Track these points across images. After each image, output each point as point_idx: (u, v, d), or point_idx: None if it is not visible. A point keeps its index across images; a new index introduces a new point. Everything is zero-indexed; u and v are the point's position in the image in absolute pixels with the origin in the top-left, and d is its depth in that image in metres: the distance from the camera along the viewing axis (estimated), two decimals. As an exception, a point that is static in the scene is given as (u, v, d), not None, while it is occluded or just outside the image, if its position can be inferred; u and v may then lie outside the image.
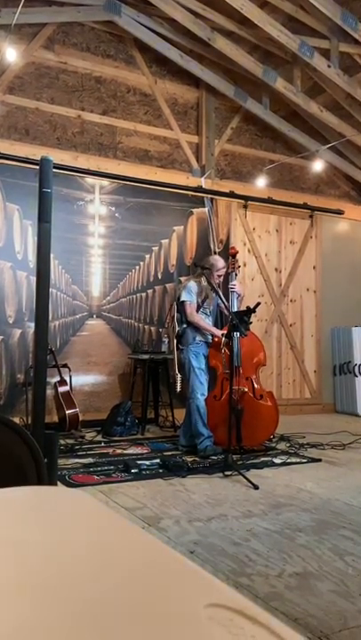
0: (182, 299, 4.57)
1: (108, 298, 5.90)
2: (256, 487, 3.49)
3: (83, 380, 5.62)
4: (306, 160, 7.00)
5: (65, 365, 5.33)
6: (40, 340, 3.09)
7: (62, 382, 5.18)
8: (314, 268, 7.17)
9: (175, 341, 4.70)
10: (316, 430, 5.51)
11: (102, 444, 4.81)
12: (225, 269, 4.69)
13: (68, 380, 5.23)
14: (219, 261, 4.71)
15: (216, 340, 4.54)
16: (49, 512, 0.84)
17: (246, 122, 6.81)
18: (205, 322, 4.60)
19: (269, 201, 6.78)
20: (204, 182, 6.36)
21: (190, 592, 0.57)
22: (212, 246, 6.36)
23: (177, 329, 4.68)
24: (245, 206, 6.64)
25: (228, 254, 5.02)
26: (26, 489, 1.04)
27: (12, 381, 5.23)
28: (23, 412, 5.10)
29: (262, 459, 4.32)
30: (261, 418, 4.49)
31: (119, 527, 0.79)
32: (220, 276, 4.62)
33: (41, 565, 0.63)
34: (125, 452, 4.52)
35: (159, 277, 6.15)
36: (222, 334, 4.44)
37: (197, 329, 4.57)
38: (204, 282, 4.56)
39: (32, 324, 5.21)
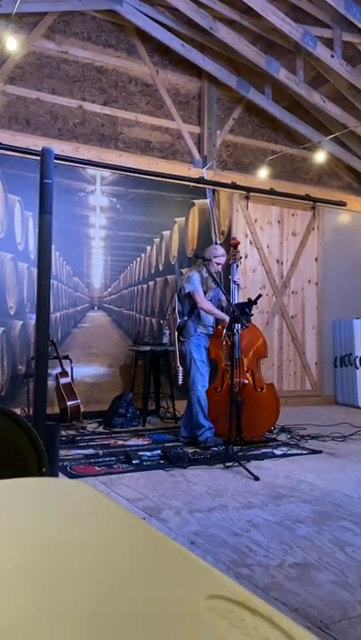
0: (188, 289, 4.55)
1: (110, 289, 5.89)
2: (257, 478, 3.51)
3: (84, 371, 5.63)
4: (308, 151, 6.96)
5: (66, 357, 5.34)
6: (41, 331, 3.09)
7: (63, 374, 5.19)
8: (316, 259, 7.15)
9: (176, 333, 4.70)
10: (316, 422, 5.52)
11: (103, 436, 4.83)
12: (224, 257, 4.68)
13: (69, 371, 5.24)
14: (218, 249, 4.71)
15: (219, 330, 4.54)
16: (50, 503, 0.84)
17: (248, 112, 6.76)
18: (215, 308, 4.61)
19: (271, 192, 6.75)
20: (205, 173, 6.33)
21: (191, 583, 0.57)
22: (213, 238, 6.34)
23: (178, 321, 4.67)
24: (247, 197, 6.61)
25: (230, 245, 5.00)
26: (27, 480, 1.04)
27: (14, 373, 5.24)
28: (25, 403, 5.11)
29: (263, 450, 4.33)
30: (262, 409, 4.49)
31: (120, 518, 0.79)
32: (218, 264, 4.61)
33: (43, 556, 0.63)
34: (126, 443, 4.54)
35: (160, 269, 6.14)
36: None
37: (199, 321, 4.57)
38: (205, 273, 4.55)
39: (33, 316, 5.20)
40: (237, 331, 4.43)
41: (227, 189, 6.48)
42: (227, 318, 4.51)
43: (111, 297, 5.90)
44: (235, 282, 4.72)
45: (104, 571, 0.60)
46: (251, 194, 6.61)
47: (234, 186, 6.51)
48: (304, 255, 7.06)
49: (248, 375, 4.54)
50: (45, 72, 5.58)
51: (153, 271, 6.10)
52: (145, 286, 6.07)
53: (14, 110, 5.43)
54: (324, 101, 6.13)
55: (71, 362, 5.38)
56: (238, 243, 4.93)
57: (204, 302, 4.51)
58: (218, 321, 4.62)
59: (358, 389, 6.82)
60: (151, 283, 6.09)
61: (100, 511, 0.82)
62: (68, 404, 5.03)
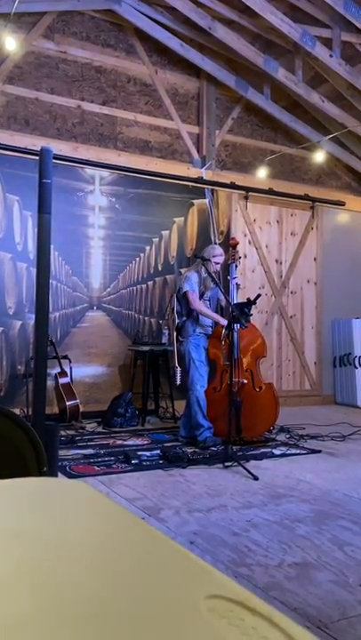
0: (184, 289, 4.56)
1: (109, 289, 5.89)
2: (256, 478, 3.51)
3: (83, 371, 5.63)
4: (307, 151, 6.97)
5: (65, 357, 5.34)
6: (40, 331, 3.09)
7: (63, 374, 5.19)
8: (315, 259, 7.15)
9: (175, 334, 4.70)
10: (315, 422, 5.52)
11: (102, 436, 4.83)
12: (222, 256, 4.68)
13: (68, 371, 5.24)
14: (216, 249, 4.71)
15: (219, 328, 4.53)
16: (50, 503, 0.84)
17: (247, 112, 6.76)
18: (209, 310, 4.61)
19: (270, 192, 6.75)
20: (204, 173, 6.33)
21: (190, 583, 0.57)
22: (212, 237, 6.34)
23: (177, 321, 4.67)
24: (246, 197, 6.61)
25: (229, 245, 5.00)
26: (27, 480, 1.04)
27: (13, 373, 5.24)
28: (24, 403, 5.11)
29: (262, 450, 4.34)
30: (261, 409, 4.49)
31: (119, 518, 0.79)
32: (217, 263, 4.61)
33: (42, 555, 0.63)
34: (126, 443, 4.54)
35: (159, 269, 6.14)
36: (225, 324, 4.45)
37: (197, 321, 4.56)
38: (203, 273, 4.55)
39: (32, 316, 5.20)
40: (237, 330, 4.43)
41: (226, 189, 6.48)
42: (220, 319, 4.51)
43: (110, 297, 5.90)
44: (234, 283, 4.71)
45: (103, 571, 0.60)
46: (250, 194, 6.61)
47: (233, 186, 6.51)
48: (303, 255, 7.06)
49: (247, 375, 4.54)
50: (44, 72, 5.58)
51: (152, 271, 6.10)
52: (144, 286, 6.07)
53: (13, 110, 5.42)
54: (323, 101, 6.14)
55: (70, 362, 5.38)
56: (237, 243, 4.93)
57: (196, 303, 4.51)
58: (217, 321, 4.61)
59: (357, 389, 6.83)
60: (150, 283, 6.09)
61: (100, 511, 0.82)
62: (68, 403, 5.03)
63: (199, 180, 6.29)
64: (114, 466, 3.79)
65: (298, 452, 4.32)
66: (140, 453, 4.06)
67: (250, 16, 5.51)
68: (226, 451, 3.86)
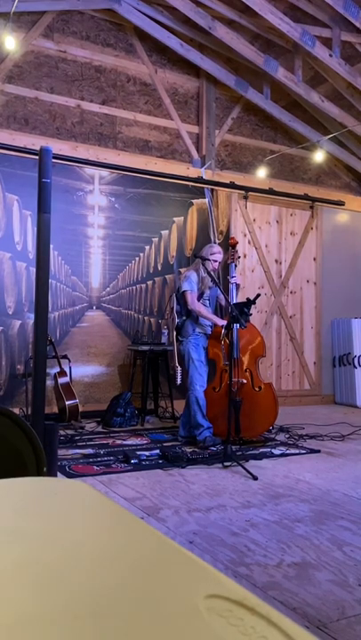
0: (183, 288, 4.55)
1: (108, 289, 5.89)
2: (255, 478, 3.51)
3: (82, 370, 5.63)
4: (307, 151, 6.97)
5: (65, 356, 5.34)
6: (40, 331, 3.09)
7: (62, 373, 5.18)
8: (314, 259, 7.15)
9: (175, 333, 4.70)
10: (315, 421, 5.53)
11: (102, 435, 4.83)
12: (221, 254, 4.68)
13: (67, 370, 5.24)
14: (214, 247, 4.71)
15: (217, 329, 4.53)
16: (49, 502, 0.84)
17: (247, 112, 6.76)
18: (207, 310, 4.60)
19: (270, 192, 6.75)
20: (204, 173, 6.33)
21: (190, 583, 0.57)
22: (212, 237, 6.34)
23: (176, 321, 4.67)
24: (246, 197, 6.61)
25: (228, 245, 5.00)
26: (26, 480, 1.04)
27: (12, 372, 5.24)
28: (23, 402, 5.11)
29: (261, 450, 4.34)
30: (260, 409, 4.49)
31: (119, 517, 0.79)
32: (215, 261, 4.60)
33: (41, 555, 0.63)
34: (125, 442, 4.54)
35: (159, 269, 6.14)
36: (222, 325, 4.44)
37: (197, 321, 4.56)
38: (203, 272, 4.55)
39: (32, 315, 5.21)
40: (236, 330, 4.43)
41: (225, 189, 6.48)
42: (217, 320, 4.50)
43: (110, 296, 5.90)
44: (234, 283, 4.71)
45: (103, 570, 0.60)
46: (249, 193, 6.61)
47: (232, 185, 6.51)
48: (303, 255, 7.06)
49: (247, 375, 4.54)
50: (44, 71, 5.58)
51: (151, 271, 6.10)
52: (143, 286, 6.07)
53: (13, 109, 5.42)
54: (323, 101, 6.14)
55: (70, 361, 5.38)
56: (236, 242, 4.93)
57: (194, 303, 4.50)
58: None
59: (357, 389, 6.83)
60: (150, 282, 6.09)
61: (99, 511, 0.82)
62: (67, 403, 5.02)
63: (199, 179, 6.29)
64: (113, 465, 3.79)
65: (297, 451, 4.32)
66: (139, 453, 4.06)
67: (250, 16, 5.51)
68: (225, 450, 3.86)
